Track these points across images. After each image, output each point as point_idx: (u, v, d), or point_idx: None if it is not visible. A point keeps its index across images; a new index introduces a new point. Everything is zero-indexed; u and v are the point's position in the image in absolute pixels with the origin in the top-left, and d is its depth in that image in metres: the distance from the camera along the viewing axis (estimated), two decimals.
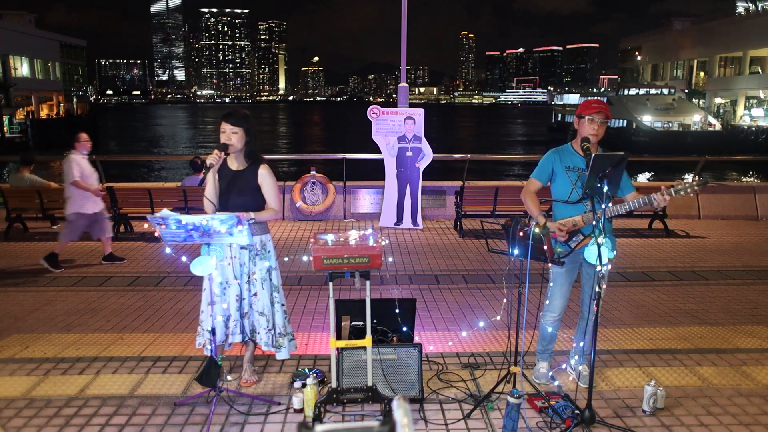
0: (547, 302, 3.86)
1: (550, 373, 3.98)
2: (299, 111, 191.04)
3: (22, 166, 8.98)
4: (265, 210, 3.73)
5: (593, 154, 3.32)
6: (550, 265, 3.72)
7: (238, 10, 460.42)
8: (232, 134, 3.63)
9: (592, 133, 3.63)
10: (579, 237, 3.62)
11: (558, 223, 3.60)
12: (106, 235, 7.09)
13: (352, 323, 3.94)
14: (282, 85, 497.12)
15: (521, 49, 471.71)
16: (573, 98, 66.31)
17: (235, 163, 3.75)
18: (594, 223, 3.35)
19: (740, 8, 53.52)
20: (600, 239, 3.25)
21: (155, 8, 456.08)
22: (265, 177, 3.74)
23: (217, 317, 3.62)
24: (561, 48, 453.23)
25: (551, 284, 3.82)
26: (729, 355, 4.42)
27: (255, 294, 3.72)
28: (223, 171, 3.70)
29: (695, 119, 45.28)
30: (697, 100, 51.87)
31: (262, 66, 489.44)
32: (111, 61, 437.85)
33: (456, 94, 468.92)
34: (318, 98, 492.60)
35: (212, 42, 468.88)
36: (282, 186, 10.04)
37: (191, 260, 3.42)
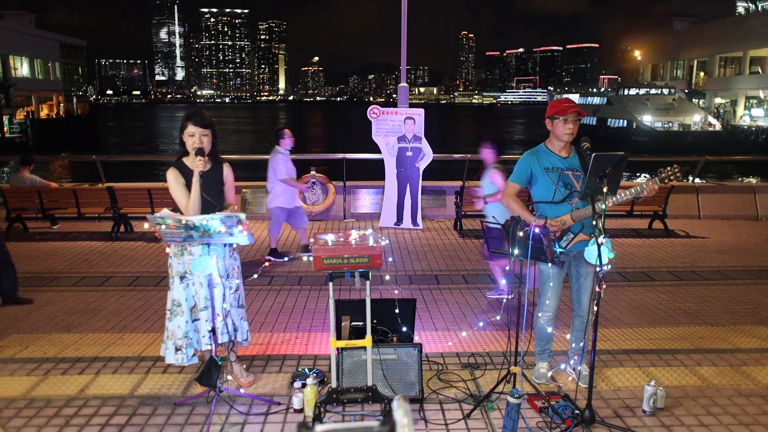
0: (540, 302, 3.87)
1: (550, 374, 3.98)
2: (299, 111, 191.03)
3: (22, 166, 8.98)
4: (231, 207, 3.76)
5: (594, 154, 3.32)
6: (539, 265, 3.74)
7: (238, 10, 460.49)
8: (203, 137, 3.60)
9: (568, 132, 3.65)
10: (569, 236, 3.62)
11: (549, 221, 3.60)
12: (305, 225, 7.36)
13: (352, 323, 3.94)
14: (282, 85, 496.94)
15: (521, 49, 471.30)
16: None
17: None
18: (594, 223, 3.35)
19: (740, 8, 53.55)
20: (600, 239, 3.25)
21: (155, 8, 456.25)
22: (229, 175, 3.79)
23: (204, 321, 3.63)
24: (561, 48, 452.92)
25: (542, 284, 3.83)
26: (729, 355, 4.42)
27: (237, 289, 3.74)
28: (188, 173, 3.62)
29: (695, 119, 45.28)
30: (697, 100, 51.88)
31: (262, 66, 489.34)
32: (111, 61, 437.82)
33: (456, 94, 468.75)
34: (318, 98, 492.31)
35: (212, 42, 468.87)
36: None
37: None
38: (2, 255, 5.44)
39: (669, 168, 3.45)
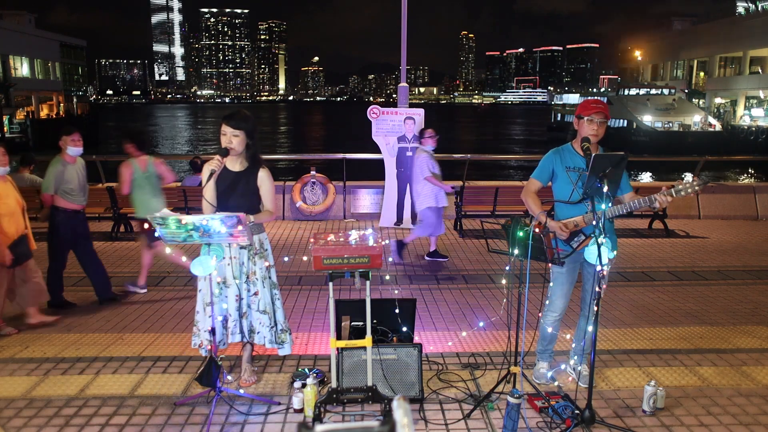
0: (548, 302, 3.86)
1: (550, 374, 3.97)
2: (299, 111, 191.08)
3: (22, 166, 8.97)
4: (263, 212, 3.75)
5: (593, 154, 3.32)
6: (551, 265, 3.73)
7: (238, 10, 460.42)
8: (233, 137, 3.61)
9: (592, 133, 3.62)
10: (580, 237, 3.62)
11: (560, 223, 3.60)
12: (442, 231, 7.20)
13: (352, 323, 3.94)
14: (282, 85, 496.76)
15: (521, 49, 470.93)
16: (573, 98, 66.42)
17: (234, 165, 3.72)
18: (594, 223, 3.35)
19: (740, 8, 53.55)
20: (600, 239, 3.25)
21: (155, 8, 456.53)
22: (264, 180, 3.75)
23: (216, 317, 3.63)
24: (561, 48, 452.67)
25: (552, 284, 3.82)
26: (729, 355, 4.42)
27: (255, 293, 3.72)
28: (222, 172, 3.65)
29: (695, 119, 45.30)
30: (697, 100, 51.88)
31: (262, 66, 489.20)
32: (111, 61, 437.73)
33: (456, 94, 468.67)
34: (318, 98, 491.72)
35: (212, 42, 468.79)
36: (282, 186, 10.05)
37: (191, 260, 3.42)
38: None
39: (688, 182, 3.33)
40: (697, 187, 3.33)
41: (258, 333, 3.75)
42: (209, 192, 3.62)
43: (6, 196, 4.81)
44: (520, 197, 3.90)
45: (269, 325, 3.75)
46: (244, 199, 3.69)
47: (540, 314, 3.97)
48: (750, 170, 31.69)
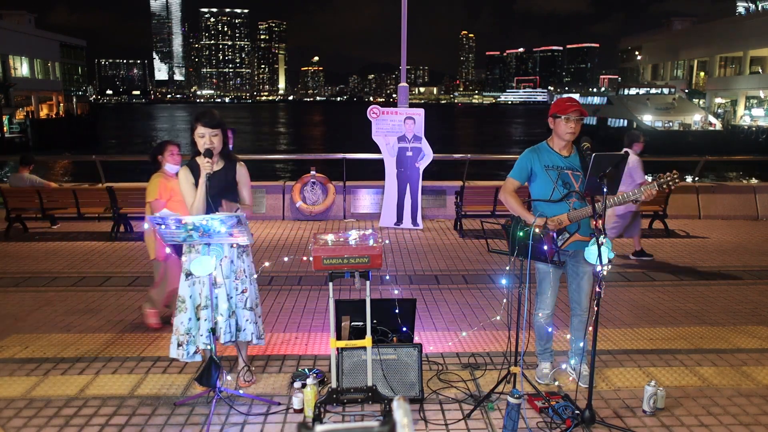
0: (538, 301, 3.88)
1: (552, 374, 3.98)
2: (299, 111, 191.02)
3: (22, 166, 8.97)
4: (245, 207, 3.76)
5: (594, 154, 3.32)
6: (537, 265, 3.74)
7: (238, 10, 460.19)
8: (213, 137, 3.59)
9: (569, 131, 3.66)
10: (565, 235, 3.63)
11: (544, 219, 3.61)
12: (637, 232, 7.35)
13: (352, 323, 3.94)
14: (282, 85, 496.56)
15: (521, 49, 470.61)
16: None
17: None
18: (594, 224, 3.35)
19: (740, 8, 53.60)
20: (602, 239, 3.25)
21: (155, 8, 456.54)
22: (243, 175, 3.79)
23: (203, 321, 3.62)
24: (561, 48, 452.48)
25: (540, 284, 3.83)
26: (729, 355, 4.42)
27: (244, 290, 3.71)
28: (199, 172, 3.59)
29: (696, 119, 45.32)
30: (697, 100, 51.90)
31: (262, 66, 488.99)
32: (111, 61, 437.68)
33: (456, 94, 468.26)
34: (318, 98, 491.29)
35: (212, 42, 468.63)
36: (282, 186, 10.05)
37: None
38: None
39: (668, 174, 3.46)
40: (678, 180, 3.46)
41: (244, 330, 3.73)
42: (201, 195, 3.56)
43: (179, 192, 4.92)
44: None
45: (254, 320, 3.76)
46: (234, 197, 3.72)
47: (532, 316, 3.98)
48: (750, 170, 31.67)
